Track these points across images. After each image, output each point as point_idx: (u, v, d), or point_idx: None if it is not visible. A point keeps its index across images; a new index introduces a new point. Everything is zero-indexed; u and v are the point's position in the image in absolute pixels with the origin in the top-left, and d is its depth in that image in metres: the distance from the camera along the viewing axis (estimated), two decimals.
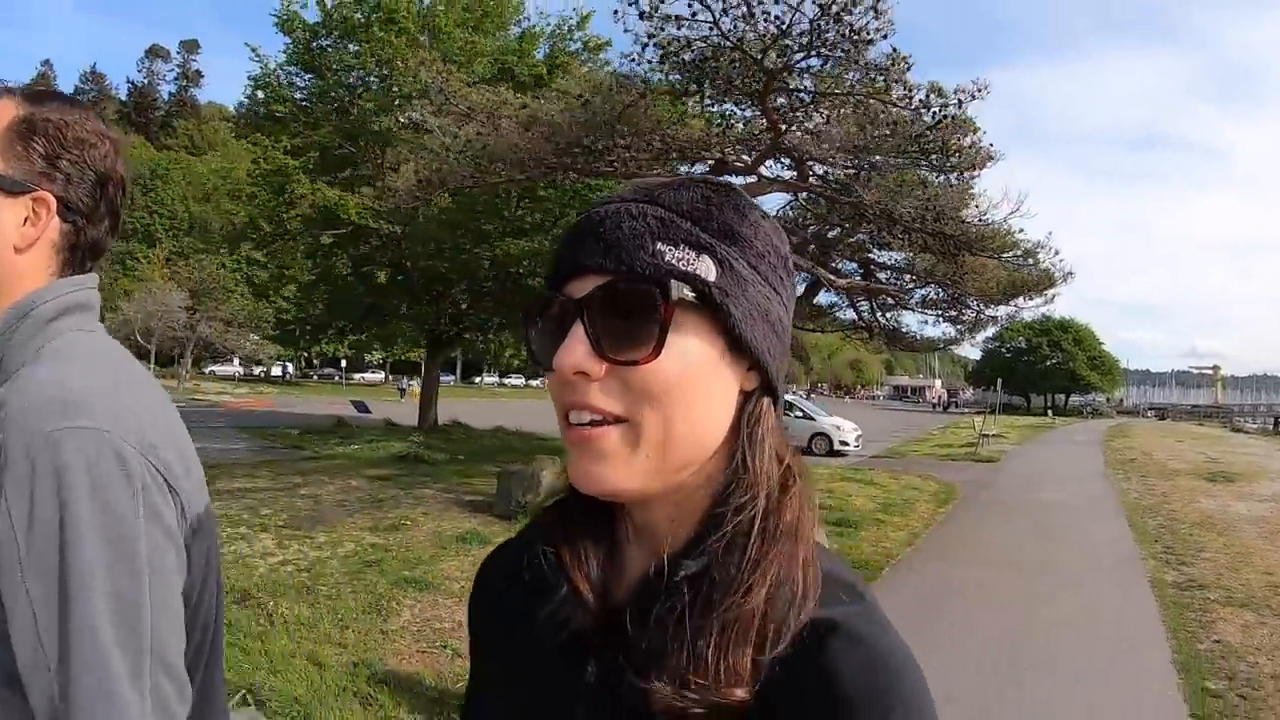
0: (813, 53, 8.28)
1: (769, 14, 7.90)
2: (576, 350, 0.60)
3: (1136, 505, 12.53)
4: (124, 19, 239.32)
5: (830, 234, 14.46)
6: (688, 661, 0.58)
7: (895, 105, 8.44)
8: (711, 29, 8.26)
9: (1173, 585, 7.52)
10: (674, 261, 0.61)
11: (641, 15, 8.38)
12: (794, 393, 55.96)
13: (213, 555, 1.10)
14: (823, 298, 17.08)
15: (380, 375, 74.18)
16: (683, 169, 10.68)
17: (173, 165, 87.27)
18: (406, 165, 12.19)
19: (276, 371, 68.21)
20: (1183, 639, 5.94)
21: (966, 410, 62.46)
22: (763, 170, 10.82)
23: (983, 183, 10.12)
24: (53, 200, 1.05)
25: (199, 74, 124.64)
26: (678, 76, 9.08)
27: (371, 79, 18.75)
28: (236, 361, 61.89)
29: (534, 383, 74.00)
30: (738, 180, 10.75)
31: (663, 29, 8.41)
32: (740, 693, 0.58)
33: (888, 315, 17.23)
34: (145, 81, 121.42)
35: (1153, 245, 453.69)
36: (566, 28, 19.58)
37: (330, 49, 19.15)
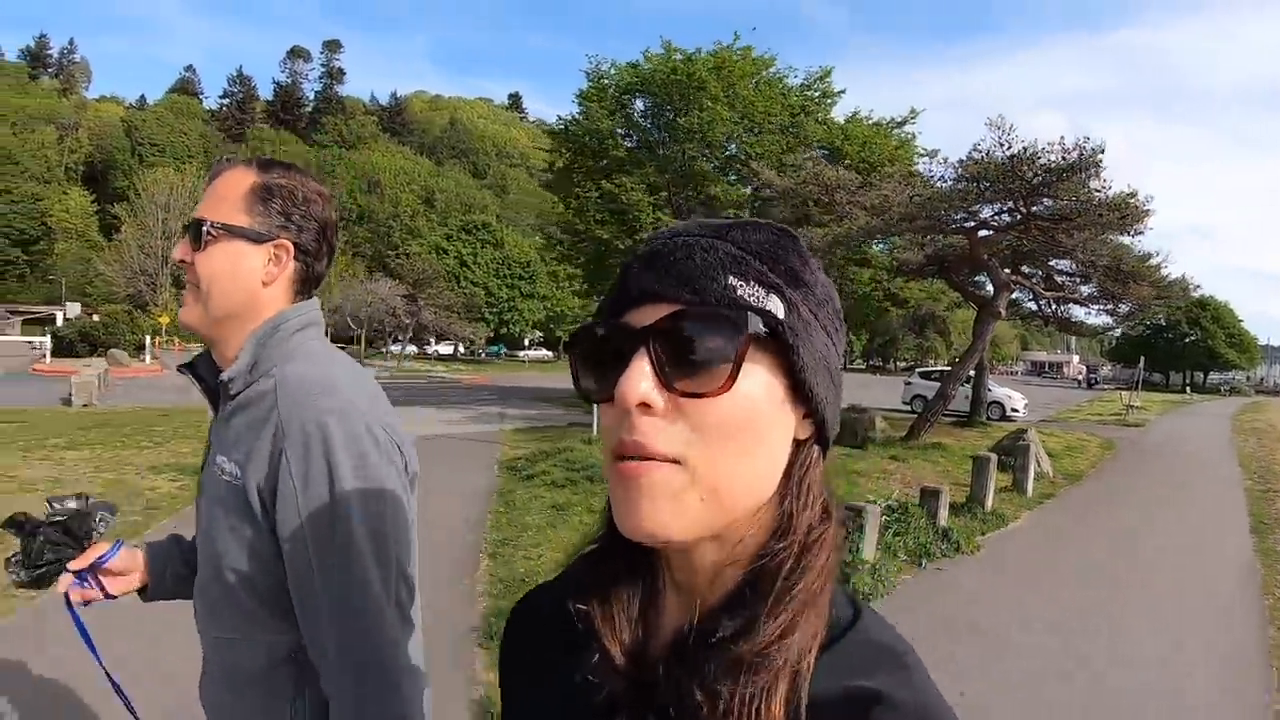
0: (1060, 178, 14.22)
1: (1041, 160, 14.17)
2: (641, 380, 0.58)
3: (1249, 456, 17.84)
4: (244, 26, 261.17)
5: (1026, 249, 19.82)
6: (724, 714, 0.57)
7: (1103, 209, 14.40)
8: (1005, 162, 14.39)
9: (1257, 490, 13.05)
10: (746, 296, 0.60)
11: (968, 158, 14.69)
12: (934, 364, 60.05)
13: (414, 505, 1.38)
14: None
15: (543, 352, 78.19)
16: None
17: (337, 161, 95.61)
18: (834, 224, 17.65)
19: (445, 350, 71.69)
20: (1256, 508, 11.54)
21: (1107, 386, 64.35)
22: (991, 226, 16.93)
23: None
24: (291, 246, 1.37)
25: (342, 71, 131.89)
26: (970, 183, 15.22)
27: (682, 130, 23.54)
28: (438, 343, 67.90)
29: None
30: (983, 232, 16.69)
31: (973, 163, 14.77)
32: None
33: (1061, 308, 22.46)
34: (289, 81, 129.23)
35: None
36: (812, 79, 25.27)
37: (637, 104, 25.13)
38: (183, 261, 1.34)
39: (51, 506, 1.51)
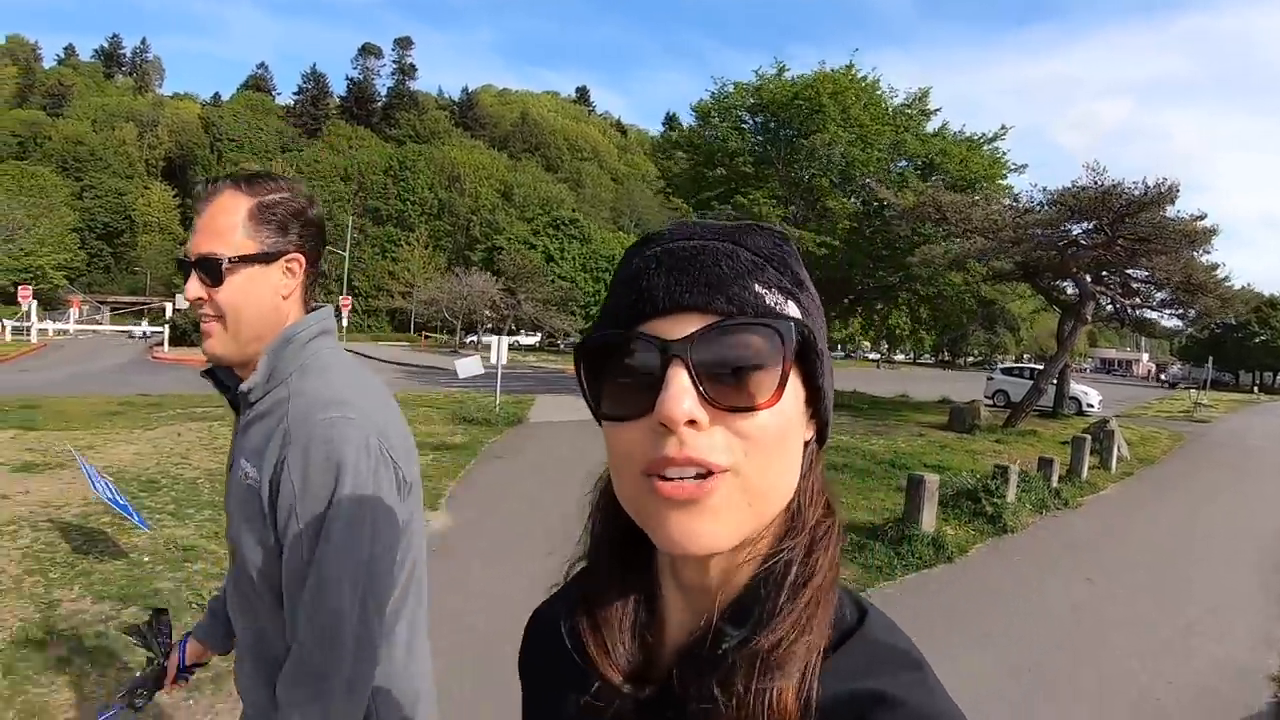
0: (1142, 207, 16.99)
1: (1128, 193, 16.93)
2: (684, 397, 0.55)
3: None
4: (311, 23, 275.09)
5: (1106, 259, 22.44)
6: (740, 709, 0.57)
7: (1176, 233, 17.13)
8: (1097, 193, 17.22)
9: None
10: (773, 305, 0.60)
11: (1065, 189, 17.68)
12: (1002, 361, 61.52)
13: (417, 510, 1.46)
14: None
15: None
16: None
17: (417, 157, 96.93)
18: (944, 241, 20.69)
19: (527, 341, 68.66)
20: None
21: (1179, 385, 65.06)
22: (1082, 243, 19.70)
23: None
24: (302, 258, 1.44)
25: (413, 67, 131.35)
26: (1058, 208, 18.10)
27: (805, 149, 25.77)
28: (523, 333, 68.96)
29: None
30: (1071, 250, 19.42)
31: (1069, 194, 17.67)
32: None
33: (1136, 311, 24.87)
34: (361, 78, 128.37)
35: None
36: (911, 99, 27.71)
37: (753, 120, 27.90)
38: (199, 299, 1.40)
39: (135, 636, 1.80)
